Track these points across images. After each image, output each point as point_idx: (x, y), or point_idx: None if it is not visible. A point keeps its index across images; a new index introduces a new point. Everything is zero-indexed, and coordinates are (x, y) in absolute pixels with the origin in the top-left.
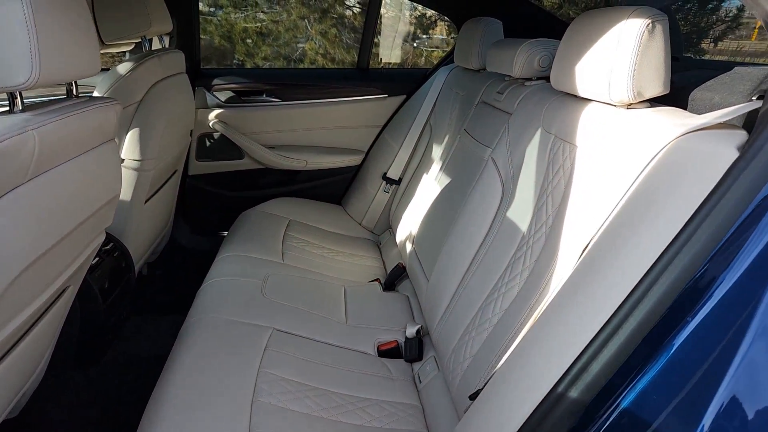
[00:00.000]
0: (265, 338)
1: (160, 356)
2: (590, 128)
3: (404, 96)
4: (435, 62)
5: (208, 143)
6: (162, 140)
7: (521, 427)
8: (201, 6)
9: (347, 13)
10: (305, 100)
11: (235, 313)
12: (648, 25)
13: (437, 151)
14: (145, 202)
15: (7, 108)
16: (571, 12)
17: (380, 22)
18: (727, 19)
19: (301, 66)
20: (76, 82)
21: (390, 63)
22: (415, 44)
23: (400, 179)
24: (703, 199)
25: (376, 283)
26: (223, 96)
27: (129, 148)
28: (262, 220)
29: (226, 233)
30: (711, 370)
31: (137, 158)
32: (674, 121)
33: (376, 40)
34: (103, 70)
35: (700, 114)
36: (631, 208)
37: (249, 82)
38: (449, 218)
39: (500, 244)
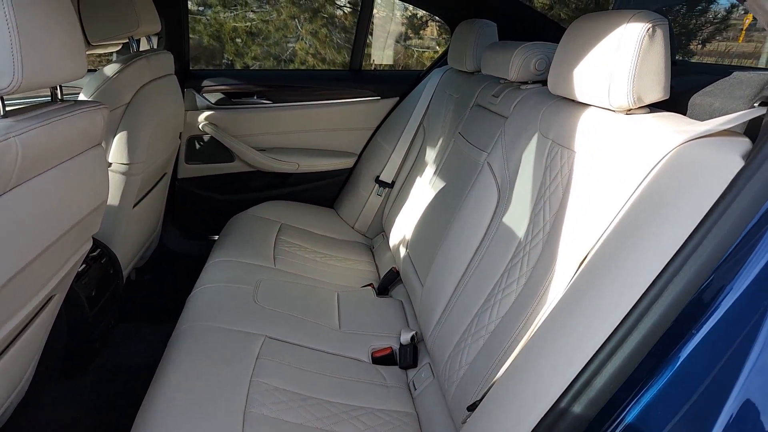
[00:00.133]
0: (257, 346)
1: (150, 365)
2: (589, 134)
3: (397, 98)
4: (426, 63)
5: (197, 146)
6: (150, 143)
7: None
8: (190, 5)
9: (338, 13)
10: (297, 102)
11: (227, 321)
12: (649, 29)
13: (431, 154)
14: (134, 206)
15: None
16: (561, 13)
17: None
18: (715, 21)
19: (292, 66)
20: (60, 86)
21: (381, 65)
22: (406, 44)
23: (393, 182)
24: (708, 209)
25: (370, 288)
26: (213, 98)
27: (116, 151)
28: (253, 224)
29: (216, 237)
30: (718, 383)
31: (125, 162)
32: (676, 128)
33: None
34: (89, 71)
35: (700, 120)
36: (635, 217)
37: (239, 84)
38: (444, 222)
39: (496, 249)
